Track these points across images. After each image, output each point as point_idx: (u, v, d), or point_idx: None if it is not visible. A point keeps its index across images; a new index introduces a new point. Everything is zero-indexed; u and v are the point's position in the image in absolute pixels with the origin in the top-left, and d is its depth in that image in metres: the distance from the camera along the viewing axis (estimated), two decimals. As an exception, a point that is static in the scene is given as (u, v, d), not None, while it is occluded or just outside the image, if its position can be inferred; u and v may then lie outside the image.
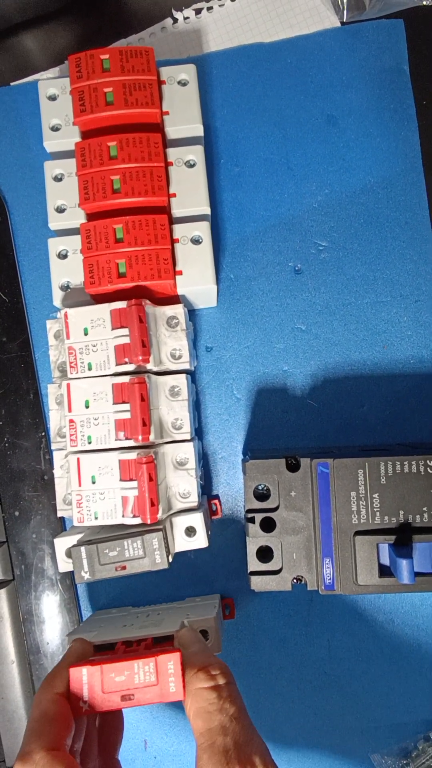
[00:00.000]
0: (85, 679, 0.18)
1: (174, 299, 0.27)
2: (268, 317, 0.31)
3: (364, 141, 0.31)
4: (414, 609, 0.29)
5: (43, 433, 0.30)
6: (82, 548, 0.23)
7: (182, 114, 0.27)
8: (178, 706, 0.29)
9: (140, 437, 0.23)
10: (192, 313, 0.31)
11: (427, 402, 0.30)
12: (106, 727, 0.22)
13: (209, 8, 0.32)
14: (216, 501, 0.30)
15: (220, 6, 0.32)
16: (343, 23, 0.32)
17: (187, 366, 0.26)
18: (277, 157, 0.31)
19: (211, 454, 0.30)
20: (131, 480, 0.23)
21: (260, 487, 0.25)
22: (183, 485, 0.26)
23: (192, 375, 0.30)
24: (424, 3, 0.29)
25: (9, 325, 0.31)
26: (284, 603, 0.29)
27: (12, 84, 0.33)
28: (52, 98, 0.27)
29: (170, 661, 0.18)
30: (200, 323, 0.31)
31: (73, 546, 0.23)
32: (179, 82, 0.27)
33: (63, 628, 0.29)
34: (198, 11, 0.33)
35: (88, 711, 0.18)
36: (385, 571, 0.22)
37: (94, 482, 0.24)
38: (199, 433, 0.30)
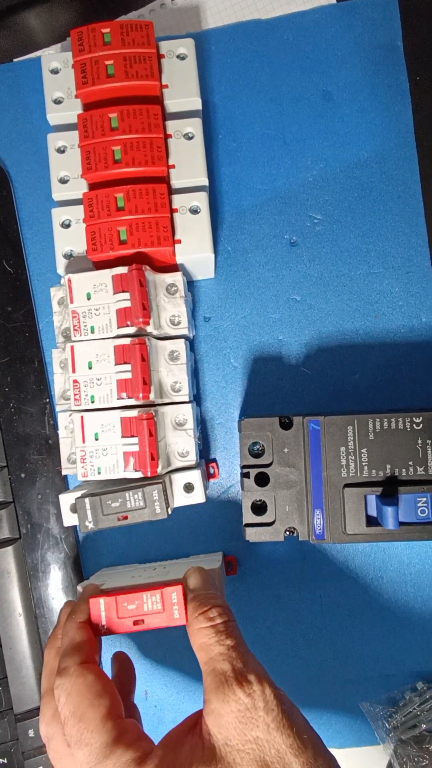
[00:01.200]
0: (103, 607, 0.21)
1: (173, 268, 0.28)
2: (264, 288, 0.32)
3: (358, 116, 0.32)
4: (402, 566, 0.30)
5: (47, 400, 0.31)
6: (86, 500, 0.24)
7: (181, 87, 0.28)
8: (176, 660, 0.31)
9: (141, 395, 0.24)
10: (191, 285, 0.32)
11: (416, 369, 0.31)
12: (121, 675, 0.24)
13: (208, -15, 0.33)
14: (214, 464, 0.31)
15: (218, -17, 0.33)
16: (338, 0, 0.32)
17: (185, 332, 0.27)
18: (273, 132, 0.32)
19: (209, 420, 0.32)
20: (132, 436, 0.24)
21: (255, 448, 0.26)
22: (182, 444, 0.27)
23: (191, 343, 0.31)
24: (417, -22, 0.30)
25: (14, 295, 0.32)
26: (279, 562, 0.30)
27: (15, 60, 0.34)
28: (55, 72, 0.28)
29: (174, 593, 0.21)
30: (199, 294, 0.32)
31: (78, 497, 0.24)
32: (178, 56, 0.28)
33: (67, 584, 0.30)
34: (197, -12, 0.33)
35: (106, 633, 0.21)
36: (372, 521, 0.24)
37: (97, 439, 0.25)
38: (197, 399, 0.31)
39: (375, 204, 0.32)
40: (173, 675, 0.31)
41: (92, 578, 0.28)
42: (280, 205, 0.32)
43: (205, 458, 0.31)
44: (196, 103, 0.28)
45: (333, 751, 0.30)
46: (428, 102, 0.32)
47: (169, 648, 0.31)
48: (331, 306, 0.32)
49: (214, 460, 0.31)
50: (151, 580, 0.24)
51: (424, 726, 0.30)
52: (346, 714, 0.30)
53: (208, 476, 0.31)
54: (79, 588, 0.25)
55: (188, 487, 0.26)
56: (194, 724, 0.19)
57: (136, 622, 0.20)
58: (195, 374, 0.31)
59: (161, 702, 0.31)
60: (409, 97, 0.32)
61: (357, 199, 0.32)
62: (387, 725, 0.30)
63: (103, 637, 0.22)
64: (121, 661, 0.26)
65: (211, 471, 0.31)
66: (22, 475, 0.31)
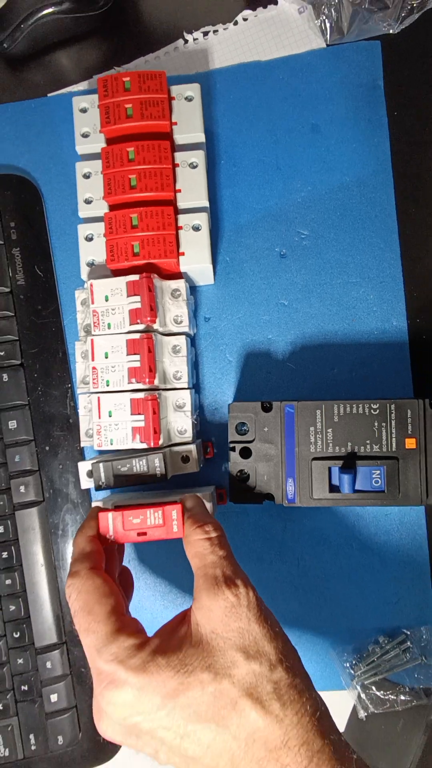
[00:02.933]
0: (110, 519, 0.25)
1: (178, 275, 0.34)
2: (256, 294, 0.37)
3: (342, 146, 0.37)
4: (370, 536, 0.35)
5: (69, 385, 0.37)
6: (101, 464, 0.29)
7: (188, 124, 0.33)
8: (170, 598, 0.36)
9: (147, 380, 0.30)
10: (194, 289, 0.37)
11: (387, 366, 0.36)
12: (121, 584, 0.28)
13: (215, 31, 0.38)
14: (209, 444, 0.36)
15: (224, 29, 0.38)
16: (327, 45, 0.37)
17: (186, 329, 0.33)
18: (268, 158, 0.37)
19: (206, 406, 0.37)
20: (139, 414, 0.30)
21: (242, 428, 0.31)
22: (181, 423, 0.32)
23: (192, 340, 0.36)
24: (391, 32, 0.35)
25: (43, 296, 0.37)
26: (262, 529, 0.35)
27: (48, 95, 0.39)
28: (83, 111, 0.34)
29: (173, 510, 0.24)
30: (200, 298, 0.37)
31: (94, 462, 0.30)
32: (186, 98, 0.33)
33: (83, 541, 0.36)
34: (205, 33, 0.38)
35: (113, 542, 0.25)
36: (333, 489, 0.28)
37: (110, 416, 0.30)
38: (197, 388, 0.37)
39: (355, 222, 0.37)
40: (170, 609, 0.36)
41: (103, 501, 0.32)
42: (273, 222, 0.37)
43: (202, 438, 0.36)
44: (200, 137, 0.33)
45: (306, 694, 0.35)
46: (404, 134, 0.37)
47: (167, 587, 0.36)
48: (314, 310, 0.36)
49: (210, 441, 0.36)
50: (154, 500, 0.27)
51: (383, 674, 0.34)
52: (318, 661, 0.35)
53: (204, 454, 0.36)
54: (94, 505, 0.29)
55: (185, 459, 0.32)
56: (183, 618, 0.23)
57: (139, 534, 0.24)
58: (195, 366, 0.37)
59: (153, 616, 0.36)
60: (387, 130, 0.37)
61: (339, 218, 0.37)
62: (352, 672, 0.35)
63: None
64: (123, 572, 0.30)
65: (207, 450, 0.36)
66: (47, 448, 0.36)
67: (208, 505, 0.27)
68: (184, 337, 0.32)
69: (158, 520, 0.24)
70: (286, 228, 0.37)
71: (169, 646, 0.21)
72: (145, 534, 0.24)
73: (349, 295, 0.36)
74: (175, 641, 0.22)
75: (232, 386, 0.37)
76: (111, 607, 0.22)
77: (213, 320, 0.37)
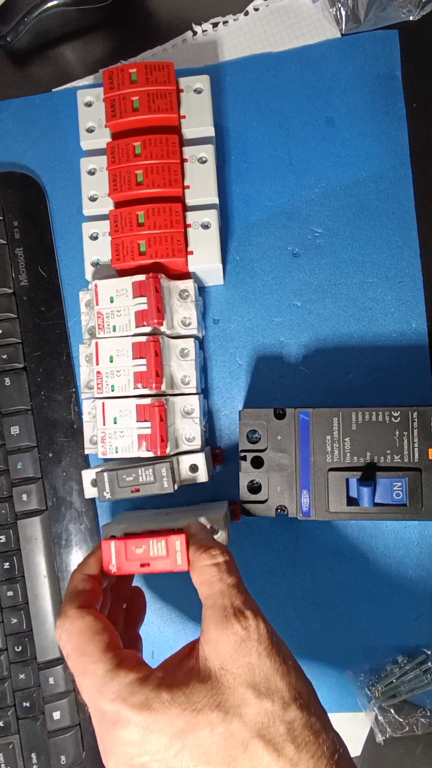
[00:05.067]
0: (113, 549, 0.23)
1: (186, 276, 0.32)
2: (268, 294, 0.35)
3: (358, 140, 0.35)
4: (387, 549, 0.33)
5: (73, 390, 0.35)
6: (105, 474, 0.28)
7: (196, 118, 0.32)
8: (179, 627, 0.34)
9: (154, 385, 0.28)
10: (202, 290, 0.36)
11: (405, 371, 0.34)
12: (132, 607, 0.27)
13: (225, 22, 0.37)
14: (218, 451, 0.35)
15: (234, 20, 0.37)
16: (342, 34, 0.36)
17: (195, 332, 0.31)
18: (280, 153, 0.36)
19: (215, 412, 0.35)
20: (146, 420, 0.28)
21: (254, 436, 0.30)
22: (189, 430, 0.31)
23: (200, 343, 0.35)
24: (411, 18, 0.33)
25: (47, 297, 0.36)
26: (274, 541, 0.34)
27: (53, 90, 0.38)
28: (88, 105, 0.32)
29: (177, 540, 0.23)
30: (209, 299, 0.36)
31: (98, 472, 0.28)
32: (195, 91, 0.32)
33: (87, 551, 0.34)
34: (215, 24, 0.37)
35: (116, 573, 0.24)
36: (351, 501, 0.27)
37: (115, 422, 0.29)
38: (205, 393, 0.35)
39: (371, 219, 0.35)
40: (178, 638, 0.34)
41: (114, 521, 0.30)
42: (285, 219, 0.36)
43: (211, 445, 0.35)
44: (210, 131, 0.32)
45: (320, 715, 0.34)
46: (423, 126, 0.35)
47: (176, 615, 0.35)
48: (328, 311, 0.35)
49: (219, 448, 0.35)
50: (161, 526, 0.26)
51: (402, 696, 0.32)
52: (333, 681, 0.33)
53: (213, 462, 0.34)
54: (102, 528, 0.28)
55: (193, 468, 0.30)
56: (190, 651, 0.22)
57: (142, 565, 0.23)
58: (204, 370, 0.35)
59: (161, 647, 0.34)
60: (405, 122, 0.35)
61: (355, 215, 0.35)
62: (369, 693, 0.33)
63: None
64: (135, 593, 0.29)
65: (216, 458, 0.34)
66: (50, 455, 0.35)
67: (222, 533, 0.26)
68: (192, 340, 0.31)
69: (161, 551, 0.23)
70: (299, 226, 0.35)
71: (175, 681, 0.20)
72: (148, 565, 0.23)
73: (365, 296, 0.35)
74: (181, 675, 0.21)
75: (242, 391, 0.35)
76: (105, 644, 0.21)
77: (222, 322, 0.35)
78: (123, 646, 0.24)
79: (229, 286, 0.36)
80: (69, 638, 0.22)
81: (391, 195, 0.35)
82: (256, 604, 0.22)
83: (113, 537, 0.24)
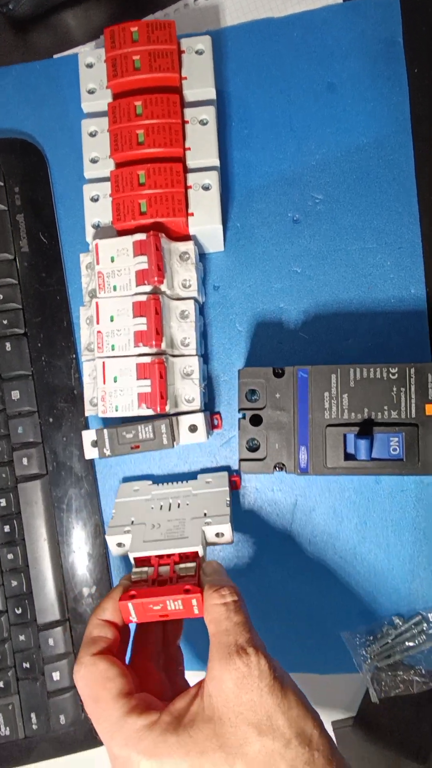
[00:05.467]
0: (131, 608, 0.24)
1: (187, 238, 0.32)
2: (268, 261, 0.35)
3: (359, 105, 0.35)
4: (385, 513, 0.34)
5: (74, 356, 0.36)
6: (105, 430, 0.28)
7: (198, 79, 0.31)
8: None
9: (154, 343, 0.28)
10: (203, 256, 0.36)
11: (404, 336, 0.34)
12: (168, 623, 0.28)
13: (226, -13, 0.37)
14: (217, 416, 0.35)
15: (236, -15, 0.37)
16: (344, 0, 0.36)
17: (195, 294, 0.31)
18: (282, 119, 0.36)
19: (215, 377, 0.35)
20: (146, 378, 0.28)
21: (253, 397, 0.30)
22: (188, 391, 0.31)
23: (201, 309, 0.35)
24: (413, -20, 0.33)
25: (48, 263, 0.36)
26: (273, 504, 0.34)
27: (54, 57, 0.38)
28: (90, 66, 0.32)
29: (193, 600, 0.24)
30: (210, 265, 0.36)
31: (98, 429, 0.28)
32: (196, 52, 0.32)
33: (87, 515, 0.35)
34: (217, -10, 0.37)
35: (137, 621, 0.25)
36: (349, 457, 0.27)
37: (116, 381, 0.29)
38: (205, 359, 0.35)
39: (372, 185, 0.35)
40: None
41: (116, 514, 0.31)
42: (285, 186, 0.36)
43: (210, 410, 0.35)
44: (211, 93, 0.32)
45: (316, 676, 0.34)
46: (425, 92, 0.35)
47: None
48: (328, 277, 0.35)
49: (218, 413, 0.35)
50: (170, 543, 0.27)
51: (398, 656, 0.33)
52: (329, 643, 0.34)
53: (212, 426, 0.34)
54: (108, 530, 0.29)
55: (192, 428, 0.30)
56: (197, 690, 0.22)
57: (162, 616, 0.24)
58: (204, 336, 0.35)
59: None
60: (407, 88, 0.35)
61: (355, 181, 0.35)
62: (365, 654, 0.33)
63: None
64: (176, 650, 0.29)
65: (215, 422, 0.35)
66: (50, 420, 0.35)
67: (227, 535, 0.26)
68: (192, 302, 0.31)
69: (179, 606, 0.24)
70: (299, 192, 0.35)
71: (182, 723, 0.21)
72: (167, 616, 0.24)
73: (365, 262, 0.35)
74: (188, 716, 0.21)
75: (241, 357, 0.35)
76: (117, 690, 0.22)
77: (222, 289, 0.36)
78: (163, 661, 0.26)
79: (230, 252, 0.36)
80: (84, 685, 0.23)
81: (392, 161, 0.35)
82: (261, 641, 0.23)
83: (131, 587, 0.25)
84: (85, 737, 0.34)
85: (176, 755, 0.20)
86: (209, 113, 0.31)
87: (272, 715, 0.20)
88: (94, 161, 0.32)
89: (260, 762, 0.20)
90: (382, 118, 0.35)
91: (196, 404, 0.31)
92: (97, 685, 0.22)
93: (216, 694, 0.21)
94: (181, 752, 0.20)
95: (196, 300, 0.32)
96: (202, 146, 0.31)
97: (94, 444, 0.31)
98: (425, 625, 0.33)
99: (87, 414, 0.32)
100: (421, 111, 0.35)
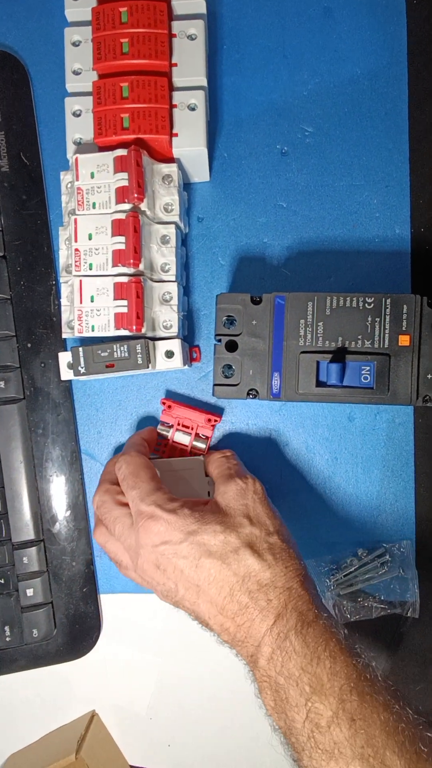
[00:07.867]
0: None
1: (171, 161, 0.31)
2: (254, 194, 0.35)
3: (355, 33, 0.34)
4: (356, 449, 0.34)
5: (53, 282, 0.35)
6: (80, 348, 0.28)
7: (188, -11, 0.30)
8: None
9: (132, 262, 0.28)
10: (188, 186, 0.35)
11: (386, 277, 0.34)
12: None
13: None
14: (196, 349, 0.35)
15: None
16: None
17: (176, 219, 0.31)
18: (274, 45, 0.35)
19: (195, 311, 0.35)
20: (123, 299, 0.28)
21: (230, 325, 0.30)
22: (166, 317, 0.31)
23: (183, 240, 0.34)
24: None
25: (28, 185, 0.35)
26: (246, 436, 0.35)
27: (39, -37, 0.36)
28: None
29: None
30: (194, 196, 0.35)
31: (73, 347, 0.28)
32: (187, -41, 0.30)
33: (63, 441, 0.35)
34: None
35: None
36: (320, 384, 0.27)
37: (92, 301, 0.29)
38: (186, 291, 0.35)
39: (363, 120, 0.34)
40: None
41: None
42: (275, 116, 0.35)
43: (189, 343, 0.35)
44: (201, 7, 0.31)
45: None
46: (423, 23, 0.34)
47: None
48: (313, 213, 0.35)
49: (197, 346, 0.35)
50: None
51: (359, 585, 0.34)
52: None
53: (190, 359, 0.35)
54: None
55: (169, 354, 0.30)
56: (207, 501, 0.28)
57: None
58: (186, 268, 0.35)
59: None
60: (405, 18, 0.34)
61: (347, 115, 0.34)
62: (328, 582, 0.35)
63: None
64: None
65: (194, 355, 0.35)
66: (29, 345, 0.35)
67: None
68: (173, 227, 0.31)
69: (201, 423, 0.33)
70: (289, 123, 0.34)
71: (195, 509, 0.27)
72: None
73: (351, 199, 0.34)
74: (199, 506, 0.28)
75: (223, 290, 0.35)
76: (153, 473, 0.29)
77: (206, 221, 0.35)
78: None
79: (215, 183, 0.35)
80: (127, 466, 0.29)
81: (386, 95, 0.34)
82: (256, 477, 0.29)
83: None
84: (57, 652, 0.35)
85: (189, 519, 0.26)
86: (198, 28, 0.30)
87: (261, 516, 0.27)
88: (76, 73, 0.31)
89: (248, 538, 0.26)
90: (378, 48, 0.34)
91: (174, 330, 0.31)
92: (138, 467, 0.28)
93: (221, 500, 0.28)
94: (192, 518, 0.26)
95: (178, 226, 0.31)
96: (189, 63, 0.30)
97: (70, 366, 0.31)
98: (387, 557, 0.34)
99: (64, 336, 0.32)
100: (418, 42, 0.34)
